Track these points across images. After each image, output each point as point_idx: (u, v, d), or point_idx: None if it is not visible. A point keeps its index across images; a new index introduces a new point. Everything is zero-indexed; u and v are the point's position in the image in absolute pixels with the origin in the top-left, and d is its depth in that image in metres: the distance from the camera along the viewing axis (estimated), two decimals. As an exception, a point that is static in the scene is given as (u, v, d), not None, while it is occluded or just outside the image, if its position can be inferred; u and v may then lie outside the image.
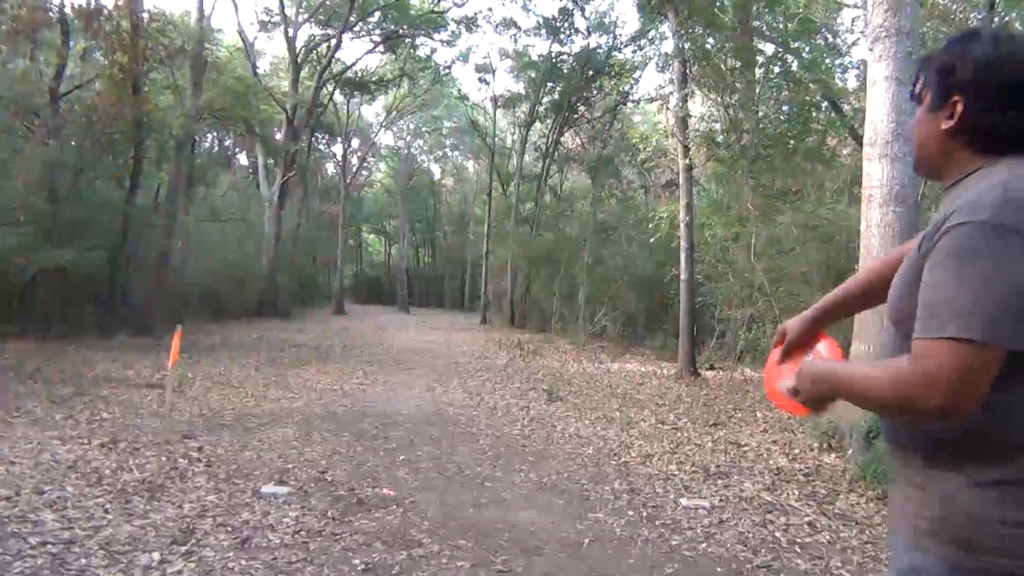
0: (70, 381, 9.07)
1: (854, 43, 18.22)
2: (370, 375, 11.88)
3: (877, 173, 6.63)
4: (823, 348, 1.77)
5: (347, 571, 3.67)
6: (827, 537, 4.53)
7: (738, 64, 14.32)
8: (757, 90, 14.45)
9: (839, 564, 4.08)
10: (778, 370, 1.79)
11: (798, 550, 4.29)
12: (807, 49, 14.50)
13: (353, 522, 4.43)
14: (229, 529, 4.16)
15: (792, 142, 13.77)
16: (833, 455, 6.66)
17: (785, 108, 14.62)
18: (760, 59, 14.59)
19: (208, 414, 7.77)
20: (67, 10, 15.51)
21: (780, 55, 14.35)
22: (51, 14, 15.52)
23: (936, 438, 1.36)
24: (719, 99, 14.97)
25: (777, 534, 4.55)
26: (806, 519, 4.88)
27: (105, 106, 15.89)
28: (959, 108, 1.43)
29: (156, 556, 3.67)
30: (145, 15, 16.43)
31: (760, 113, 14.22)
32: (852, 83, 16.44)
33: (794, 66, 14.08)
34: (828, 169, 14.32)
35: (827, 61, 15.14)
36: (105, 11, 15.77)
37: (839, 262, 10.58)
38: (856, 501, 5.31)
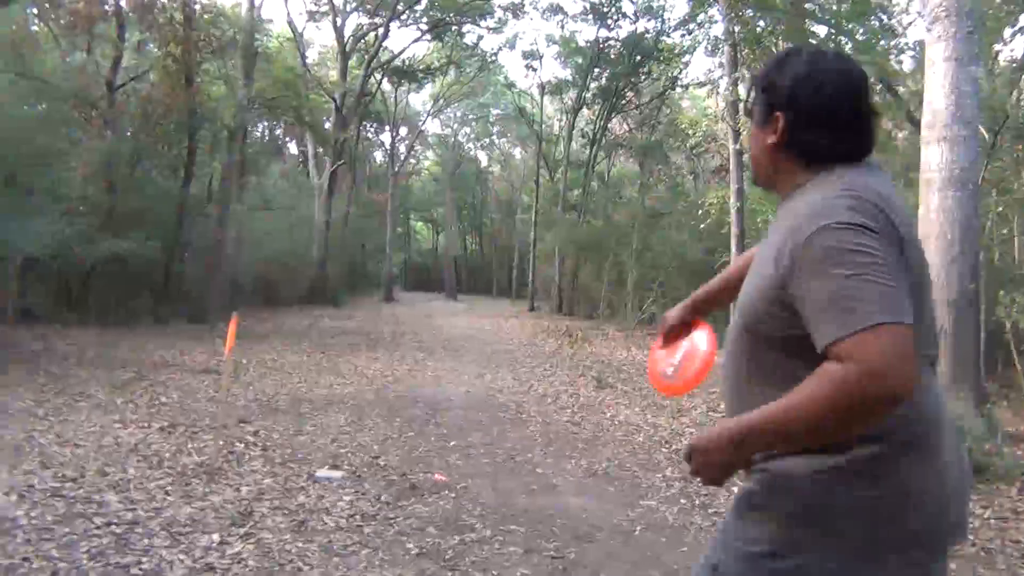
0: (129, 367, 9.29)
1: (910, 24, 17.74)
2: (420, 361, 11.97)
3: (936, 157, 6.45)
4: (700, 336, 1.81)
5: (401, 555, 3.71)
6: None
7: (789, 47, 14.05)
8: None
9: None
10: (659, 355, 1.84)
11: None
12: (861, 31, 14.16)
13: (406, 507, 4.48)
14: (285, 512, 4.23)
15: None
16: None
17: (839, 91, 14.27)
18: (812, 42, 14.28)
19: (263, 399, 7.91)
20: (122, 3, 15.83)
21: (833, 37, 14.03)
22: (107, 7, 15.85)
23: None
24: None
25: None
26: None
27: (160, 97, 16.23)
28: (781, 124, 1.51)
29: (216, 537, 3.75)
30: (197, 6, 16.70)
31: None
32: (908, 64, 16.02)
33: (848, 48, 13.76)
34: (883, 153, 13.98)
35: (882, 43, 14.77)
36: (159, 3, 16.06)
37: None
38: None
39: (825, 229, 1.31)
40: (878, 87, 14.15)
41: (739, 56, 14.00)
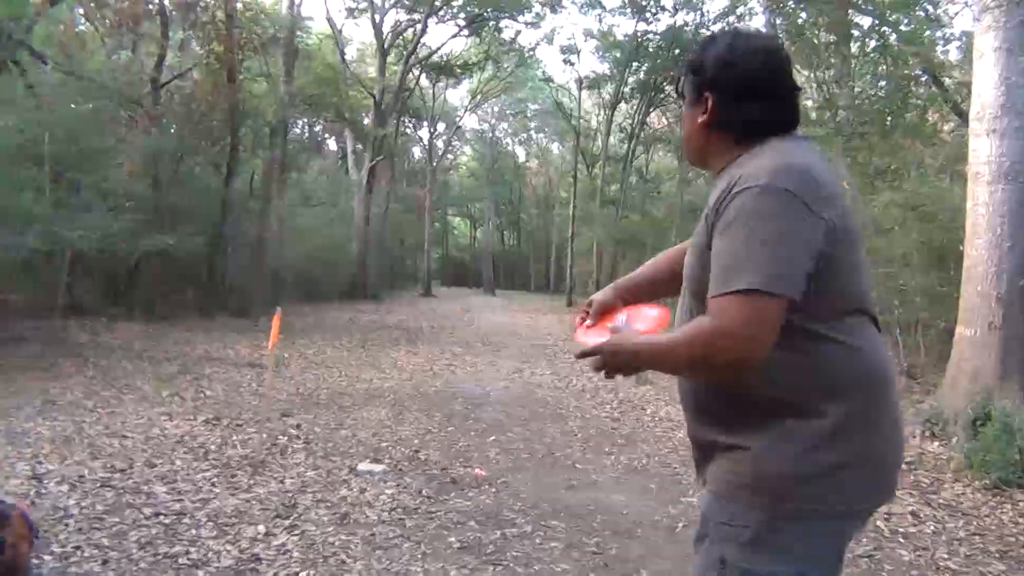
0: (175, 360, 9.45)
1: (957, 14, 17.39)
2: (458, 356, 12.01)
3: (985, 149, 6.31)
4: (623, 316, 1.81)
5: (443, 549, 3.73)
6: (932, 528, 4.37)
7: (833, 39, 13.83)
8: (853, 65, 13.94)
9: (945, 556, 3.93)
10: (584, 333, 1.85)
11: (901, 540, 4.16)
12: (906, 21, 13.89)
13: (447, 501, 4.50)
14: (328, 505, 4.27)
15: (890, 119, 13.24)
16: (936, 443, 6.40)
17: (882, 83, 14.06)
18: (856, 33, 14.05)
19: (304, 393, 8.00)
20: (166, 2, 16.06)
21: (877, 28, 13.78)
22: (151, 7, 16.10)
23: (745, 406, 1.48)
24: (813, 75, 14.50)
25: (879, 523, 4.41)
26: (909, 508, 4.71)
27: (203, 95, 16.47)
28: (710, 103, 1.59)
29: (261, 529, 3.80)
30: (239, 5, 16.89)
31: (856, 89, 13.72)
32: (954, 55, 15.70)
33: (892, 39, 13.51)
34: (929, 146, 13.72)
35: (928, 33, 14.49)
36: (202, 2, 16.29)
37: (941, 242, 10.15)
38: (962, 491, 5.10)
39: (744, 191, 1.40)
40: (924, 78, 13.90)
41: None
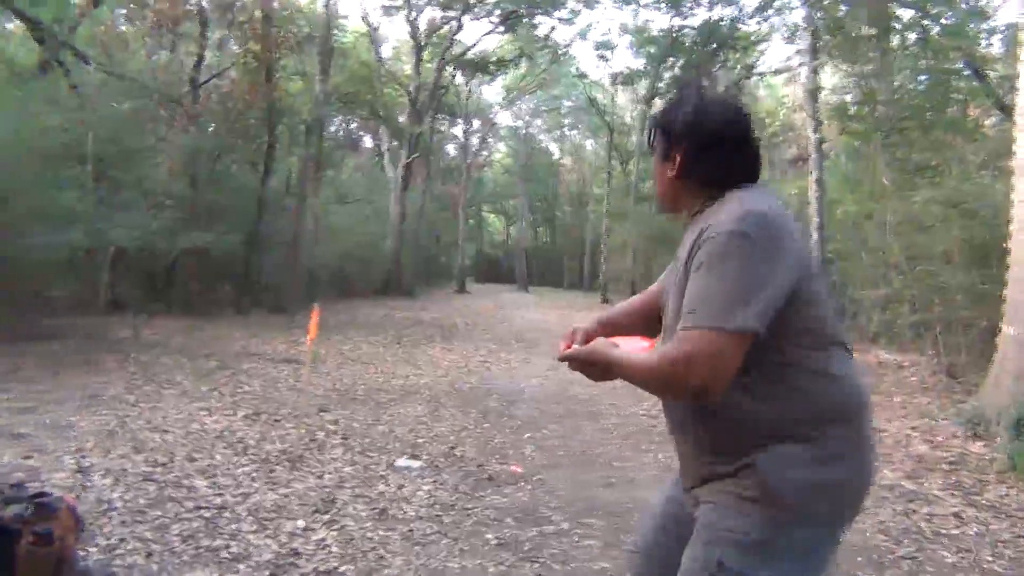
0: (213, 356, 9.57)
1: (1001, 6, 16.99)
2: (493, 353, 12.02)
3: (1031, 144, 6.18)
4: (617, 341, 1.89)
5: (480, 546, 3.74)
6: (975, 529, 4.29)
7: (873, 32, 13.61)
8: (893, 59, 13.71)
9: (989, 558, 3.86)
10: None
11: (944, 542, 4.08)
12: (949, 14, 13.62)
13: (484, 497, 4.51)
14: (366, 500, 4.30)
15: (931, 113, 13.00)
16: (979, 443, 6.28)
17: (923, 77, 13.81)
18: (897, 26, 13.81)
19: (341, 389, 8.06)
20: (205, 2, 16.25)
21: (918, 21, 13.54)
22: (190, 7, 16.31)
23: (745, 431, 1.61)
24: (852, 70, 14.30)
25: (921, 524, 4.34)
26: (951, 510, 4.63)
27: (240, 93, 16.65)
28: (678, 160, 1.76)
29: (301, 523, 3.84)
30: (276, 4, 17.04)
31: (896, 83, 13.49)
32: (997, 49, 15.36)
33: (934, 32, 13.26)
34: (970, 141, 13.45)
35: (970, 26, 14.20)
36: (239, 2, 16.46)
37: (984, 239, 9.96)
38: (1006, 492, 4.99)
39: (713, 236, 1.56)
40: (965, 72, 13.62)
41: (819, 42, 13.61)
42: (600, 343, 1.75)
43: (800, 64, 15.23)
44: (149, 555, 3.33)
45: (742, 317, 1.48)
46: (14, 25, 15.38)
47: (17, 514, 2.94)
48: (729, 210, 1.60)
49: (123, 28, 17.57)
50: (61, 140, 10.18)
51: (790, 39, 19.67)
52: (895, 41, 13.84)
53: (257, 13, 16.51)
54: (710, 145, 1.73)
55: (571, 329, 2.00)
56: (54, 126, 9.86)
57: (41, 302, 10.63)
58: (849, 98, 14.64)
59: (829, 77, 15.60)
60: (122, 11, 17.04)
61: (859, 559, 3.79)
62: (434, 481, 4.77)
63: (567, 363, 1.79)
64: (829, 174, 14.70)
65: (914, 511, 4.57)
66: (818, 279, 1.66)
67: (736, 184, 1.72)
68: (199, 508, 3.97)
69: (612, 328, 2.01)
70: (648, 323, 2.00)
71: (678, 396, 1.66)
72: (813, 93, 13.30)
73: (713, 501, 1.65)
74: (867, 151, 13.80)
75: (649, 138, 1.89)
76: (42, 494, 3.18)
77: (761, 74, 28.84)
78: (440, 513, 4.17)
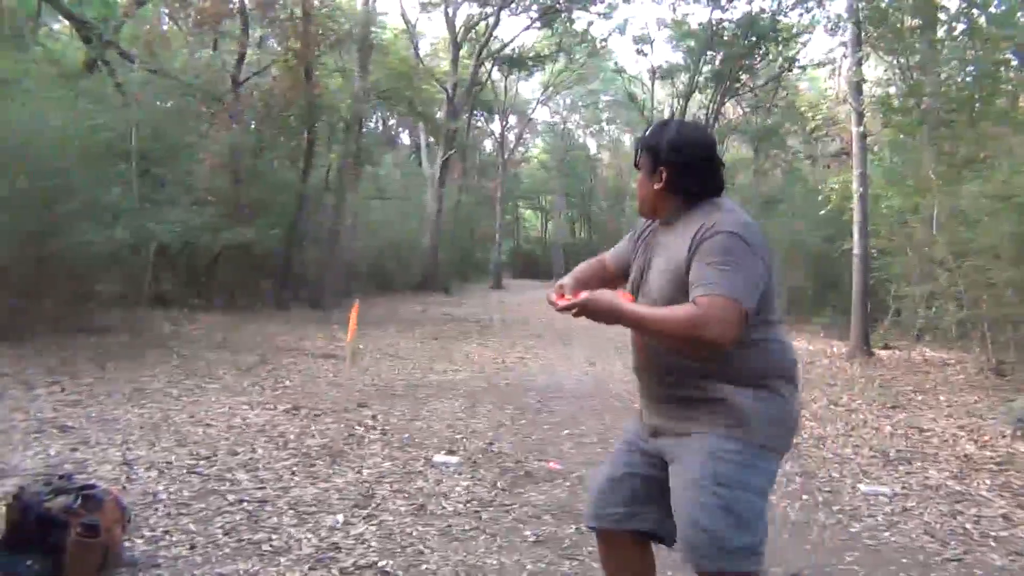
0: (254, 350, 9.69)
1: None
2: (530, 349, 12.03)
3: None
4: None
5: (519, 542, 3.74)
6: (1025, 531, 4.20)
7: (918, 23, 13.33)
8: (939, 50, 13.41)
9: (1040, 561, 3.78)
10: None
11: (992, 544, 4.00)
12: (997, 2, 13.29)
13: (522, 494, 4.51)
14: (405, 495, 4.33)
15: (979, 105, 12.69)
16: (1028, 443, 6.16)
17: (971, 68, 13.48)
18: (943, 16, 13.50)
19: (380, 384, 8.12)
20: (247, 1, 16.43)
21: (966, 11, 13.22)
22: (232, 5, 16.50)
23: (729, 377, 2.12)
24: (896, 62, 14.03)
25: (968, 526, 4.26)
26: (1000, 511, 4.53)
27: (281, 91, 16.82)
28: (664, 176, 2.23)
29: (340, 518, 3.87)
30: (316, 1, 17.16)
31: (943, 75, 13.19)
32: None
33: (982, 22, 12.94)
34: (1020, 133, 13.12)
35: (1020, 15, 13.84)
36: (280, 0, 16.62)
37: (1035, 232, 9.73)
38: (1057, 494, 4.89)
39: (716, 235, 2.06)
40: (1015, 63, 13.28)
41: (863, 34, 13.37)
42: (607, 294, 2.16)
43: (843, 56, 14.97)
44: (193, 547, 3.38)
45: (751, 299, 2.02)
46: (61, 25, 15.71)
47: (66, 505, 3.00)
48: (725, 217, 2.11)
49: (166, 27, 17.83)
50: (106, 138, 10.35)
51: (832, 31, 19.33)
52: (941, 32, 13.53)
53: (297, 11, 16.64)
54: (687, 166, 2.21)
55: (558, 284, 2.46)
56: (100, 124, 10.02)
57: (88, 297, 10.83)
58: (893, 91, 14.34)
59: (873, 69, 15.33)
60: (165, 10, 17.30)
61: (904, 560, 3.73)
62: (472, 477, 4.78)
63: (571, 311, 2.14)
64: (873, 168, 14.44)
65: (960, 512, 4.49)
66: (772, 273, 2.14)
67: (707, 196, 2.22)
68: (241, 501, 4.02)
69: (583, 285, 2.47)
70: (603, 284, 2.50)
71: (694, 346, 2.01)
72: (857, 86, 13.06)
73: (707, 431, 2.13)
74: (912, 145, 13.53)
75: (636, 156, 2.35)
76: (89, 486, 3.25)
77: (803, 67, 28.42)
78: (478, 509, 4.18)
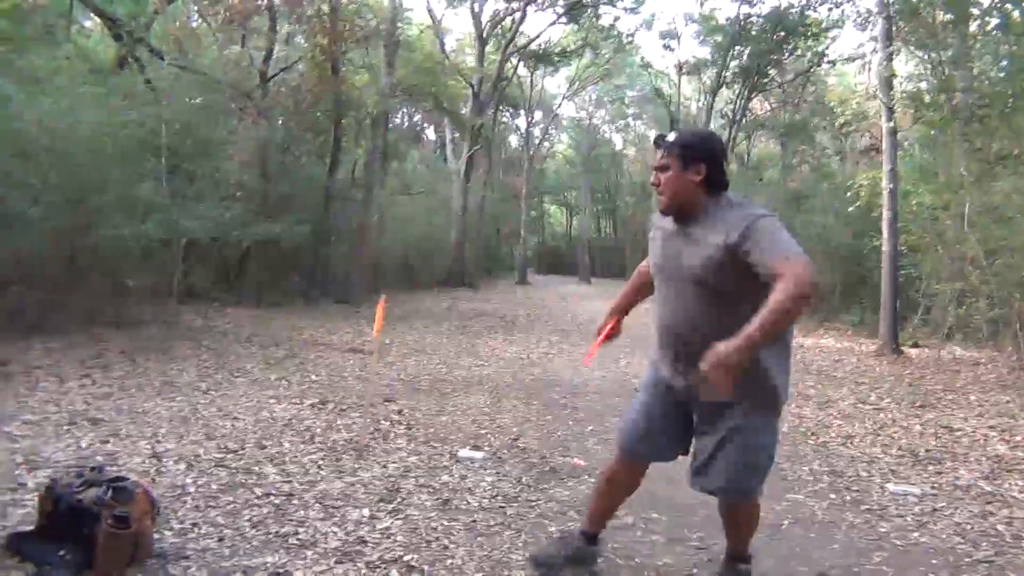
0: (282, 345, 9.78)
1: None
2: (555, 345, 12.02)
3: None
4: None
5: (543, 538, 3.73)
6: (1059, 533, 4.13)
7: (950, 17, 13.13)
8: (972, 45, 13.20)
9: (1074, 565, 3.72)
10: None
11: (1024, 546, 3.95)
12: (1032, -4, 13.04)
13: (547, 490, 4.51)
14: (430, 490, 4.34)
15: (1012, 100, 12.49)
16: (1062, 444, 6.06)
17: (1004, 63, 13.26)
18: (975, 11, 13.29)
19: (406, 379, 8.16)
20: (275, -3, 16.54)
21: (999, 5, 13.00)
22: (260, 2, 16.61)
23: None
24: (928, 56, 13.84)
25: (999, 527, 4.20)
26: (1033, 513, 4.47)
27: (308, 87, 16.90)
28: (703, 169, 2.69)
29: (366, 512, 3.89)
30: (343, -2, 17.24)
31: (975, 70, 13.00)
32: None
33: (1016, 15, 12.72)
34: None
35: (1055, 8, 13.57)
36: (308, -4, 16.71)
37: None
38: (1091, 496, 4.81)
39: (760, 217, 2.53)
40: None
41: (894, 29, 13.19)
42: (721, 348, 2.33)
43: (873, 51, 14.79)
44: (221, 539, 3.41)
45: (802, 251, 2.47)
46: (92, 22, 15.90)
47: (97, 497, 3.05)
48: (754, 208, 2.63)
49: (195, 24, 17.98)
50: (137, 134, 10.46)
51: (862, 25, 19.12)
52: (974, 26, 13.32)
53: (325, 7, 16.73)
54: (720, 161, 2.72)
55: (598, 328, 3.24)
56: (131, 120, 10.13)
57: (119, 291, 10.97)
58: (925, 86, 14.16)
59: (903, 64, 15.13)
60: (195, 7, 17.45)
61: (934, 562, 3.69)
62: (497, 473, 4.79)
63: (717, 384, 2.37)
64: (903, 164, 14.26)
65: (992, 513, 4.43)
66: None
67: (724, 189, 2.72)
68: (269, 495, 4.05)
69: (624, 311, 3.32)
70: (643, 293, 3.27)
71: (809, 295, 2.34)
72: (887, 81, 12.90)
73: (739, 406, 2.72)
74: (944, 140, 13.35)
75: (662, 156, 2.76)
76: (120, 478, 3.30)
77: (831, 62, 28.11)
78: (503, 505, 4.19)
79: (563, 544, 3.29)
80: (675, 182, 2.70)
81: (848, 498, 4.66)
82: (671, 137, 2.77)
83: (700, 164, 2.67)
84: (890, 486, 4.93)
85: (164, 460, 4.52)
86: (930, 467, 5.48)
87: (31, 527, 3.16)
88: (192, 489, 4.05)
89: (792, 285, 2.28)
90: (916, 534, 4.07)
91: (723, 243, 2.52)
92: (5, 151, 8.45)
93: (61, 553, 2.93)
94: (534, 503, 4.25)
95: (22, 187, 8.43)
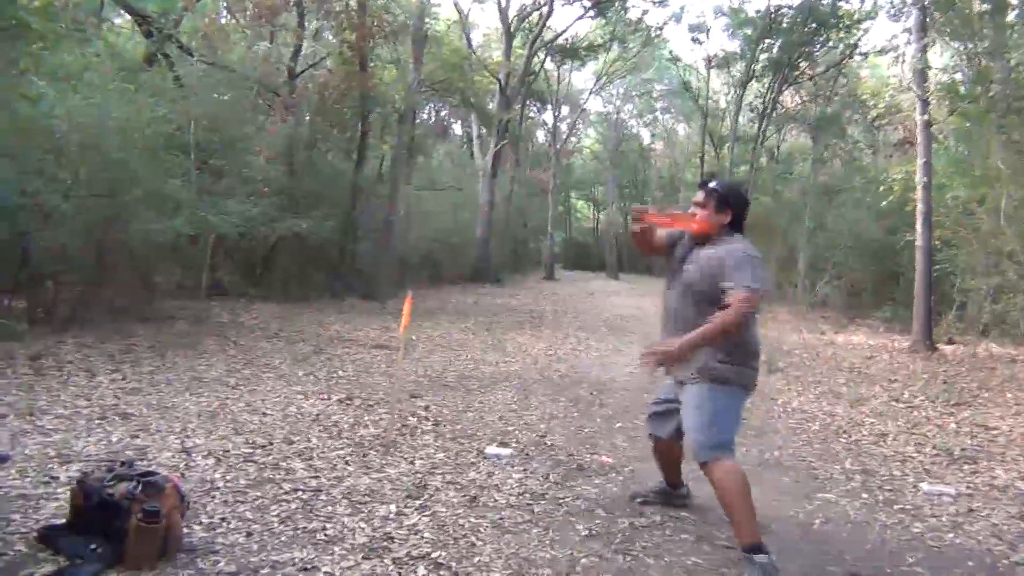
0: (309, 340, 9.81)
1: None
2: (582, 341, 11.97)
3: None
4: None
5: (571, 536, 3.71)
6: (1099, 535, 4.04)
7: (986, 8, 12.88)
8: (1009, 35, 12.94)
9: (1116, 567, 3.62)
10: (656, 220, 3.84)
11: (1064, 548, 3.86)
12: (1072, -10, 12.76)
13: (574, 487, 4.48)
14: (458, 487, 4.33)
15: (1050, 92, 12.23)
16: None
17: (1043, 54, 12.97)
18: (1013, 1, 13.03)
19: (432, 375, 8.15)
20: (303, -7, 16.59)
21: (1037, -1, 12.74)
22: (289, -2, 16.66)
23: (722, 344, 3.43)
24: (963, 47, 13.60)
25: (1035, 528, 4.12)
26: (1071, 514, 4.37)
27: (336, 83, 16.93)
28: (731, 214, 3.59)
29: (393, 508, 3.89)
30: (370, -7, 17.24)
31: (1012, 61, 12.74)
32: None
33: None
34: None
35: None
36: (335, -8, 16.74)
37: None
38: None
39: (740, 254, 3.40)
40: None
41: (929, 20, 12.97)
42: (667, 342, 3.53)
43: (907, 43, 14.54)
44: (249, 534, 3.42)
45: (759, 284, 3.32)
46: (122, 19, 16.04)
47: (127, 491, 3.06)
48: (743, 245, 3.46)
49: (224, 20, 18.09)
50: (166, 130, 10.53)
51: (896, 16, 18.79)
52: (1012, 16, 13.06)
53: (352, 3, 16.75)
54: (744, 212, 3.62)
55: (640, 214, 3.80)
56: (160, 116, 10.20)
57: (148, 287, 11.07)
58: (960, 77, 13.91)
59: (938, 56, 14.86)
60: (224, 4, 17.55)
61: (970, 564, 3.62)
62: (524, 470, 4.77)
63: (659, 363, 3.52)
64: (937, 158, 14.02)
65: (1029, 515, 4.34)
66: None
67: (740, 231, 3.62)
68: (296, 490, 4.06)
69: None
70: (658, 241, 3.83)
71: (741, 323, 3.33)
72: (921, 73, 12.69)
73: (694, 376, 3.52)
74: (979, 133, 13.11)
75: (704, 195, 3.60)
76: (150, 472, 3.32)
77: (864, 54, 27.69)
78: (531, 502, 4.17)
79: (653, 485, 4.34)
80: (708, 219, 3.58)
81: (881, 498, 4.59)
82: (713, 184, 3.62)
83: (729, 211, 3.59)
84: (924, 486, 4.85)
85: (193, 455, 4.54)
86: (965, 466, 5.38)
87: (63, 520, 3.19)
88: (221, 484, 4.07)
89: (732, 313, 3.26)
90: (951, 535, 4.00)
91: (714, 266, 3.44)
92: (38, 147, 8.54)
93: (92, 546, 2.95)
94: (561, 500, 4.22)
95: (54, 182, 8.51)
